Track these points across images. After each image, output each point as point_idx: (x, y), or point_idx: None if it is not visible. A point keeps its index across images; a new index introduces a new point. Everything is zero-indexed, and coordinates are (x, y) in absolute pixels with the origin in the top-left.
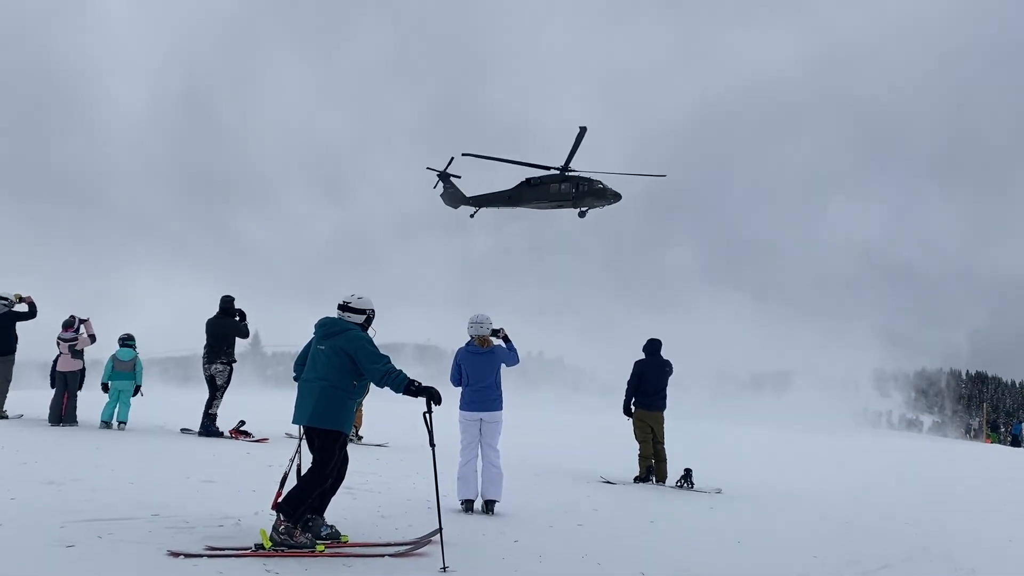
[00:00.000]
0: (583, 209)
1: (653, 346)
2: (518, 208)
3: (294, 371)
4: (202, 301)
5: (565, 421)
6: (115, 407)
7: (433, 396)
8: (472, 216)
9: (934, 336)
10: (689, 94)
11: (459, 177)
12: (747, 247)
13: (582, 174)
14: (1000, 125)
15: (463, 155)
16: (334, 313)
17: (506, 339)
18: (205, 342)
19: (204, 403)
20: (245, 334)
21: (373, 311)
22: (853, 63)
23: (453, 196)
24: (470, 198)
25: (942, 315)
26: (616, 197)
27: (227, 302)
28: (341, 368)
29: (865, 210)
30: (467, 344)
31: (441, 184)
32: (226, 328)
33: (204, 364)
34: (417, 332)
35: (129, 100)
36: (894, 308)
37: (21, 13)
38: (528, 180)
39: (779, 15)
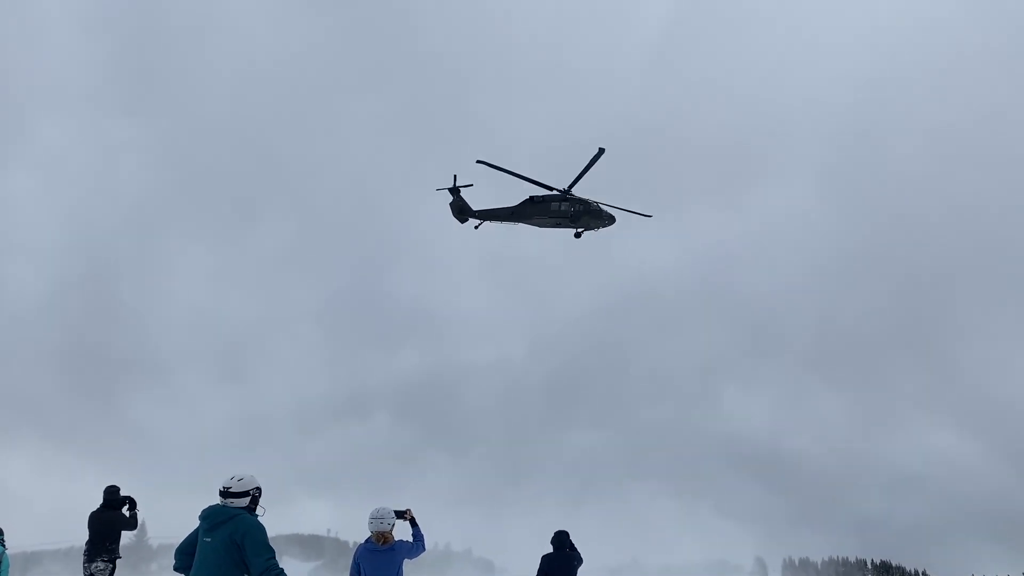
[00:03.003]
0: (580, 230)
1: (560, 539)
2: (520, 224)
3: (175, 559)
4: (86, 488)
5: None
6: None
7: None
8: (476, 228)
9: (835, 525)
10: (584, 291)
11: (471, 186)
12: (648, 435)
13: (582, 196)
14: (873, 321)
15: (477, 162)
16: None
17: (413, 522)
18: (87, 538)
19: None
20: (133, 526)
21: (258, 489)
22: (732, 264)
23: (461, 209)
24: (476, 212)
25: (841, 504)
26: (611, 220)
27: (111, 493)
28: (231, 561)
29: (756, 400)
30: (366, 541)
31: (452, 197)
32: (111, 522)
33: (84, 562)
34: (317, 523)
35: (24, 280)
36: (795, 497)
37: None
38: (532, 198)
39: (659, 221)
